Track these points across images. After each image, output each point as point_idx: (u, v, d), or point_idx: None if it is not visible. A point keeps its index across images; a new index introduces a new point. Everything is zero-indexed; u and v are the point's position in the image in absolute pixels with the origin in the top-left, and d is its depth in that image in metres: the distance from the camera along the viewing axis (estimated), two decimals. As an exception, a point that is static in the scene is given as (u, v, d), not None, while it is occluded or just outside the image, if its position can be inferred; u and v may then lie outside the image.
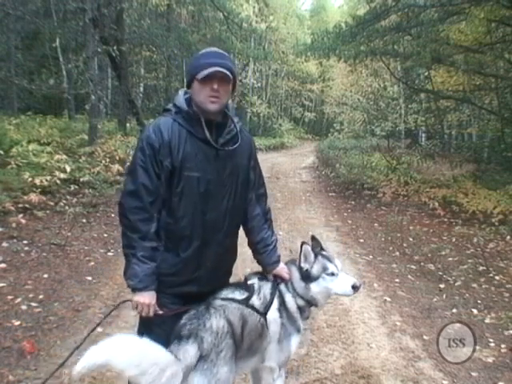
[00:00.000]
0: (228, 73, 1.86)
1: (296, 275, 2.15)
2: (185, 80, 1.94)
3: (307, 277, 2.11)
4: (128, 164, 2.03)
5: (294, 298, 2.13)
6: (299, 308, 2.13)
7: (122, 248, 1.92)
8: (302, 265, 2.13)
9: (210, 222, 1.94)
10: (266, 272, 2.20)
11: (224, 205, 1.97)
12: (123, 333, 1.76)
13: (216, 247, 1.98)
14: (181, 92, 2.00)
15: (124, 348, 1.63)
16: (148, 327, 1.92)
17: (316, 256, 2.15)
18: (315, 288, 2.10)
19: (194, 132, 1.89)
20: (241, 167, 2.03)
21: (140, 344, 1.66)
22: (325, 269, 2.11)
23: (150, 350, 1.66)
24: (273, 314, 2.06)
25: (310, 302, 2.15)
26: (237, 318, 1.92)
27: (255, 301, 2.03)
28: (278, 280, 2.17)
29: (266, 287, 2.11)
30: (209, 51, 1.95)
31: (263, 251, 2.16)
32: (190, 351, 1.73)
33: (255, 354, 2.04)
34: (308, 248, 2.14)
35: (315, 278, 2.10)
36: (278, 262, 2.18)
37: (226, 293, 2.02)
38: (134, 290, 1.87)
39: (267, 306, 2.04)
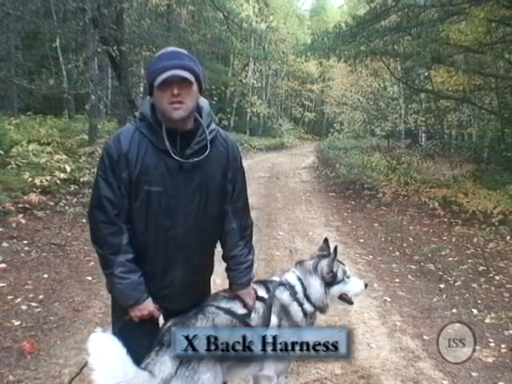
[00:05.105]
0: (187, 74, 1.66)
1: (315, 282, 2.11)
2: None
3: (332, 280, 2.13)
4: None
5: (301, 306, 2.05)
6: (305, 315, 2.06)
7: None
8: (334, 269, 2.14)
9: (173, 238, 1.80)
10: (230, 289, 2.05)
11: (190, 221, 1.80)
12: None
13: (184, 265, 1.85)
14: (148, 97, 1.81)
15: (107, 352, 1.61)
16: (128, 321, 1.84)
17: None
18: (335, 291, 2.15)
19: (155, 142, 1.73)
20: (212, 180, 1.83)
21: (118, 356, 1.62)
22: (344, 272, 2.19)
23: (126, 365, 1.62)
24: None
25: (321, 308, 2.11)
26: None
27: (254, 316, 1.95)
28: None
29: (262, 304, 2.00)
30: (164, 52, 1.74)
31: (234, 269, 1.99)
32: (167, 362, 1.70)
33: (250, 363, 1.98)
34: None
35: (338, 282, 2.15)
36: (245, 284, 1.99)
37: (224, 302, 1.94)
38: (128, 307, 1.80)
39: (265, 325, 1.95)
